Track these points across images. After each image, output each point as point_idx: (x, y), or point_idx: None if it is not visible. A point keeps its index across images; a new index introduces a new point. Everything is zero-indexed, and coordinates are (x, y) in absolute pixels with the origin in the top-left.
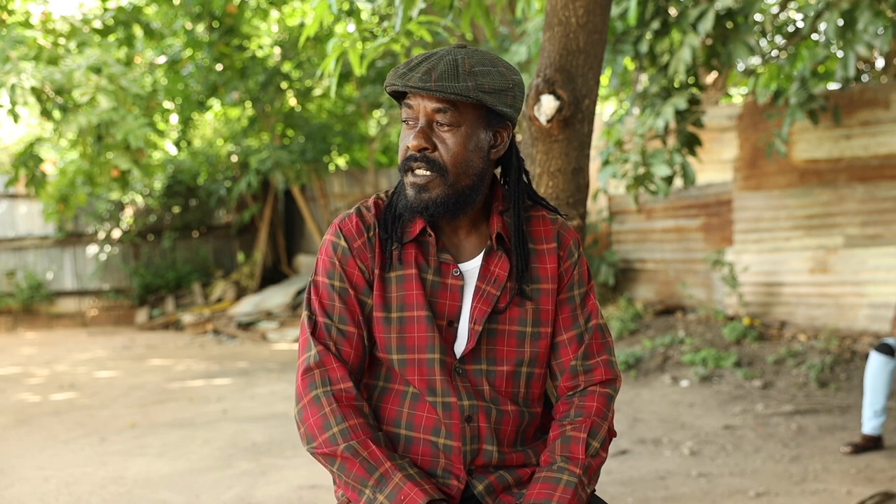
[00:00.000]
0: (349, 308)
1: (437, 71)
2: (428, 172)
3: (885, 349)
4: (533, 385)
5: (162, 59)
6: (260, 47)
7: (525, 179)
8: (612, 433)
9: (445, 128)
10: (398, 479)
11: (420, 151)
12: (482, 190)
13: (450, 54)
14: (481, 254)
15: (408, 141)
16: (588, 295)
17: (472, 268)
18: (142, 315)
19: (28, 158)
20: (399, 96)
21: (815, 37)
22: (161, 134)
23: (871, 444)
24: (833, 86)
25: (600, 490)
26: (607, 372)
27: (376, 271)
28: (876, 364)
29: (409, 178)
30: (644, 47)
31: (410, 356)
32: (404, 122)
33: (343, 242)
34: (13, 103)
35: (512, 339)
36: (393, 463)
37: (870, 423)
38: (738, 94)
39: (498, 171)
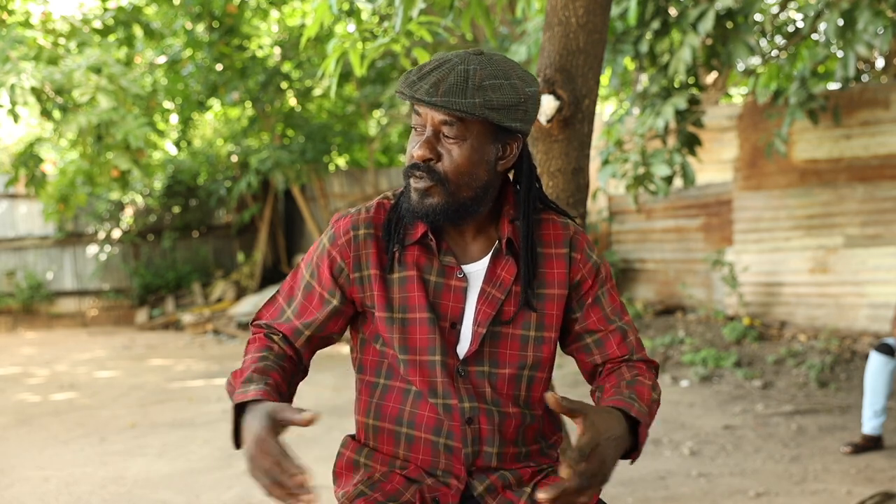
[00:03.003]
0: (306, 302)
1: (446, 84)
2: (429, 183)
3: (885, 349)
4: (534, 388)
5: (162, 59)
6: (260, 47)
7: (537, 186)
8: (659, 404)
9: (451, 140)
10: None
11: (424, 161)
12: (487, 200)
13: (462, 63)
14: (487, 256)
15: (414, 149)
16: (611, 293)
17: (477, 270)
18: (142, 315)
19: (28, 158)
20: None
21: (815, 37)
22: (161, 134)
23: (871, 444)
24: (833, 86)
25: None
26: (651, 363)
27: (373, 271)
28: (876, 364)
29: (413, 183)
30: (644, 47)
31: (412, 357)
32: (413, 127)
33: (327, 240)
34: (13, 103)
35: (515, 342)
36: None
37: (870, 423)
38: (738, 94)
39: (512, 173)
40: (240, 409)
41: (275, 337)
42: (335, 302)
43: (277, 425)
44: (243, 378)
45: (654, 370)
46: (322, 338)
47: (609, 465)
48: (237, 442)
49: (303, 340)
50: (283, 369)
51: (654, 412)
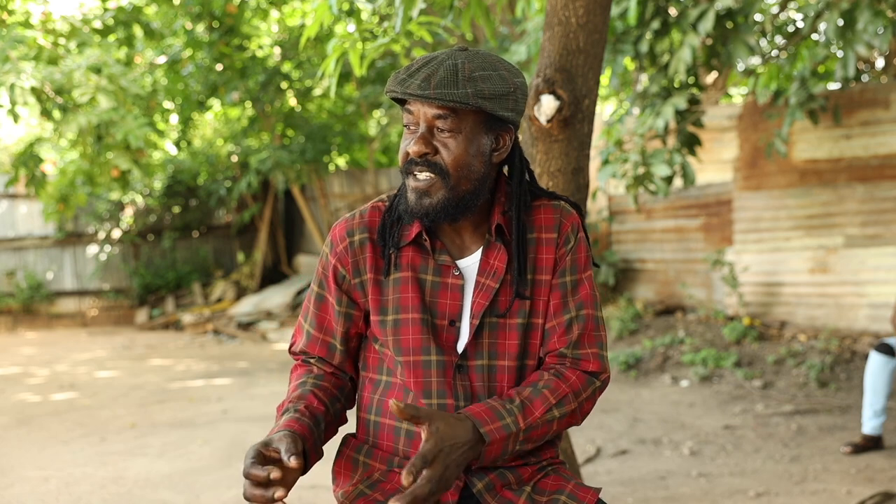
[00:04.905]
0: (321, 313)
1: (437, 77)
2: (430, 175)
3: (885, 349)
4: None
5: (162, 59)
6: (260, 47)
7: (528, 179)
8: (575, 417)
9: (446, 133)
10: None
11: (421, 157)
12: (483, 193)
13: (450, 58)
14: (480, 248)
15: (408, 146)
16: (581, 283)
17: (471, 263)
18: (142, 315)
19: (28, 158)
20: (400, 100)
21: (815, 37)
22: (161, 134)
23: (871, 444)
24: (833, 86)
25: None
26: (595, 364)
27: (369, 275)
28: (876, 364)
29: (411, 182)
30: (644, 47)
31: (406, 358)
32: (406, 126)
33: (327, 249)
34: (13, 103)
35: (514, 332)
36: (278, 421)
37: (870, 423)
38: (738, 94)
39: (506, 168)
40: None
41: (312, 360)
42: (346, 308)
43: (264, 450)
44: (282, 410)
45: (591, 379)
46: (359, 345)
47: (452, 470)
48: None
49: (338, 355)
50: (323, 388)
51: (541, 432)
